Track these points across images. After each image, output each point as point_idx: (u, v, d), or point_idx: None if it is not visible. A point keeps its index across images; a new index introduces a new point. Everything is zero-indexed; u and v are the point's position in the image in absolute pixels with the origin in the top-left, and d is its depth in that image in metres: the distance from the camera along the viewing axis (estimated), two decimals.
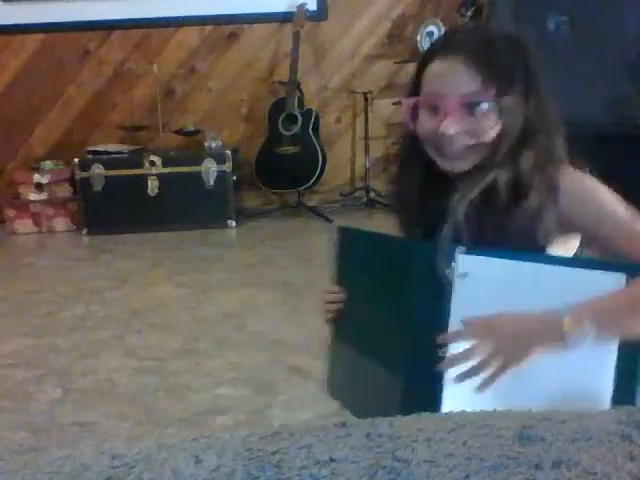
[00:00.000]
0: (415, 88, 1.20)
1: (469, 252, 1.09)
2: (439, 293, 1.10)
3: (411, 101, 1.20)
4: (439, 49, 1.18)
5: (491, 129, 1.14)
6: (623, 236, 1.12)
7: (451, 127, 1.13)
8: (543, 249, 1.16)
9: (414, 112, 1.20)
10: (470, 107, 1.14)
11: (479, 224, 1.15)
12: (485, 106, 1.13)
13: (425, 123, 1.17)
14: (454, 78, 1.13)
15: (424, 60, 1.19)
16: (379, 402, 1.21)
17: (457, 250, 1.08)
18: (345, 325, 1.31)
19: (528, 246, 1.12)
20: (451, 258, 1.09)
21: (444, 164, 1.18)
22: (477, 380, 1.05)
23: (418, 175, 1.23)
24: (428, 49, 1.23)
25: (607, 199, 1.14)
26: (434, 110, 1.15)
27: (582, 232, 1.17)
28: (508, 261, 1.08)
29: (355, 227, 1.36)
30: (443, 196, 1.20)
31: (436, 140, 1.16)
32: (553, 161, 1.15)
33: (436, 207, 1.21)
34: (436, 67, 1.16)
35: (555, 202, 1.13)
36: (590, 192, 1.15)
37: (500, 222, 1.14)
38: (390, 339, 1.19)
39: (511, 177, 1.14)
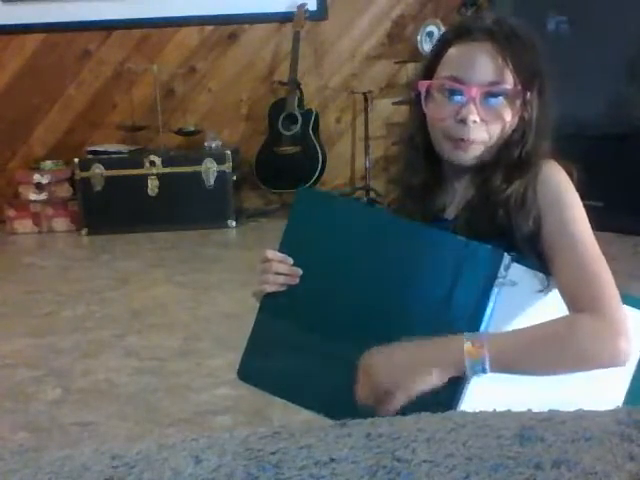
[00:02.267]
0: (429, 71, 1.17)
1: (515, 260, 1.07)
2: (469, 291, 1.07)
3: (431, 83, 1.15)
4: (462, 33, 1.14)
5: (508, 123, 1.13)
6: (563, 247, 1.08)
7: (473, 114, 1.10)
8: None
9: (427, 96, 1.16)
10: (493, 97, 1.11)
11: (474, 221, 1.14)
12: (508, 98, 1.12)
13: (442, 107, 1.14)
14: (480, 65, 1.10)
15: (443, 43, 1.16)
16: (342, 387, 1.11)
17: (508, 257, 1.06)
18: (290, 301, 1.15)
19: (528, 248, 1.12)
20: (494, 261, 1.06)
21: (452, 154, 1.15)
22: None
23: (422, 162, 1.20)
24: (447, 33, 1.19)
25: (575, 202, 1.12)
26: (452, 94, 1.12)
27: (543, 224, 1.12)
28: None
29: (328, 193, 1.24)
30: (443, 187, 1.20)
31: (450, 127, 1.13)
32: (538, 154, 1.14)
33: (436, 198, 1.20)
34: (460, 51, 1.12)
35: (534, 192, 1.11)
36: (562, 187, 1.13)
37: (493, 217, 1.12)
38: (389, 327, 1.10)
39: (503, 170, 1.13)
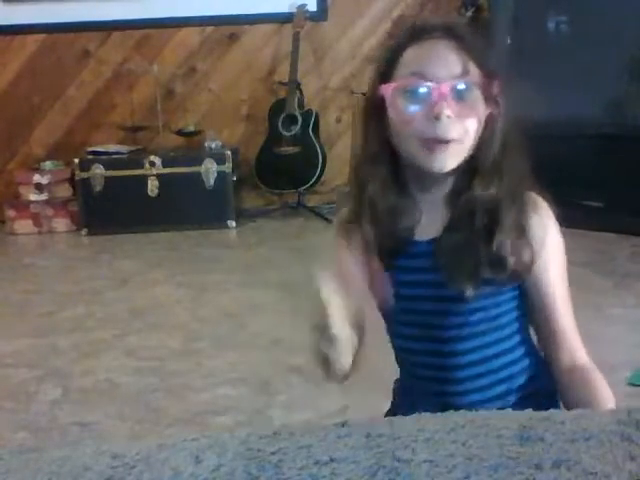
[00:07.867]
0: (383, 79, 1.11)
1: None
2: None
3: (396, 84, 1.09)
4: (416, 34, 1.10)
5: (482, 117, 1.09)
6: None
7: (447, 109, 1.05)
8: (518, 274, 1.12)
9: (389, 101, 1.10)
10: (462, 92, 1.07)
11: (453, 241, 1.10)
12: (477, 92, 1.08)
13: (408, 109, 1.08)
14: (444, 60, 1.07)
15: (395, 49, 1.11)
16: None
17: None
18: None
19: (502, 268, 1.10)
20: None
21: (428, 160, 1.08)
22: None
23: (391, 181, 1.14)
24: (399, 37, 1.13)
25: (559, 249, 1.13)
26: (416, 95, 1.07)
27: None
28: None
29: None
30: (408, 206, 1.15)
31: (422, 128, 1.07)
32: (525, 185, 1.12)
33: (404, 219, 1.14)
34: (419, 51, 1.08)
35: (526, 224, 1.10)
36: (549, 229, 1.12)
37: (475, 243, 1.09)
38: None
39: (490, 198, 1.09)
